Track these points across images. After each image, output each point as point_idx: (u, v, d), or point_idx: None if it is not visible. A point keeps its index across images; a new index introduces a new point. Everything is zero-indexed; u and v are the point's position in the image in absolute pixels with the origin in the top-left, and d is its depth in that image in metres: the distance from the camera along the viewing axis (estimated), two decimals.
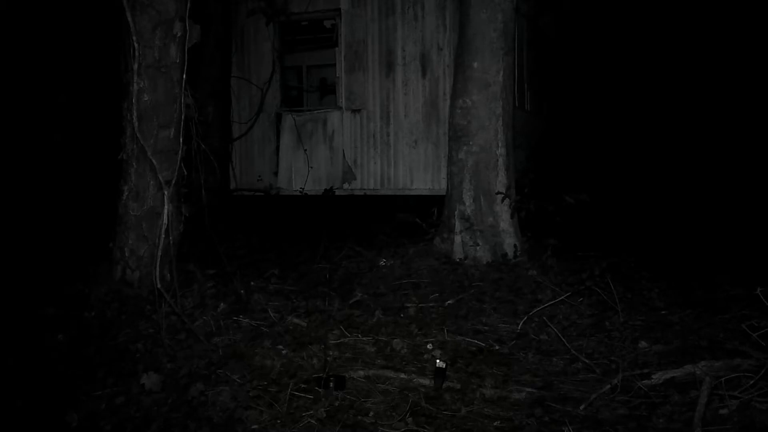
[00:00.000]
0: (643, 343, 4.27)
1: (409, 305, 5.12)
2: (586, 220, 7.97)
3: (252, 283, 5.51)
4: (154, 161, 4.92)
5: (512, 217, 6.41)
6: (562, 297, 5.12)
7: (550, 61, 11.84)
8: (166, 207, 4.76)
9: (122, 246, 5.08)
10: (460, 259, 6.25)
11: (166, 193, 4.82)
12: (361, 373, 3.80)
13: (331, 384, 3.53)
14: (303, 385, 3.59)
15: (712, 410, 3.22)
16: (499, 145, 6.41)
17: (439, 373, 3.62)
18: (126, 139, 5.09)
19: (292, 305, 5.02)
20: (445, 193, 6.81)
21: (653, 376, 3.64)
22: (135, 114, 4.88)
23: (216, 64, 9.30)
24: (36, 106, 9.34)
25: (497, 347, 4.35)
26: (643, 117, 15.38)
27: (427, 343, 4.32)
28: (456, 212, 6.41)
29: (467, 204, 6.38)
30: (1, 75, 8.81)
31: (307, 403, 3.41)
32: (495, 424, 3.23)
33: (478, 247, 6.30)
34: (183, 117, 5.07)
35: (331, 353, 4.00)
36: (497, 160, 6.40)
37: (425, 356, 4.11)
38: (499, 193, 6.34)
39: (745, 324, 3.99)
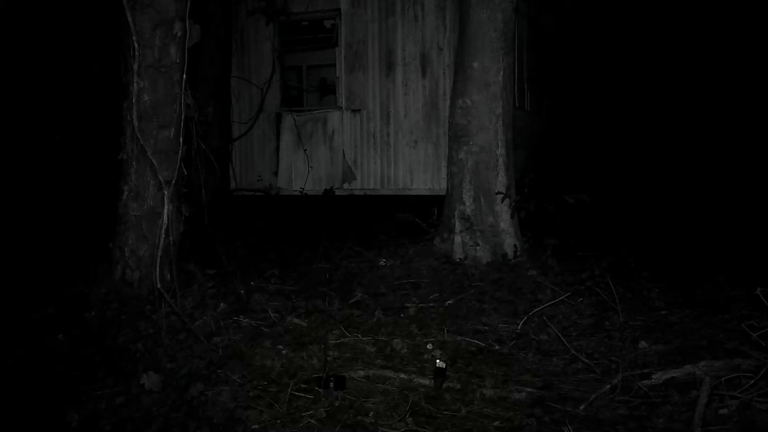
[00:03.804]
0: (643, 343, 4.27)
1: (409, 305, 5.13)
2: (586, 220, 7.96)
3: (252, 283, 5.51)
4: (154, 161, 4.92)
5: (512, 217, 6.41)
6: (562, 297, 5.12)
7: (550, 61, 11.84)
8: (166, 207, 4.77)
9: (122, 246, 5.08)
10: (460, 259, 6.25)
11: (166, 193, 4.82)
12: (361, 373, 3.80)
13: (331, 384, 3.53)
14: (303, 385, 3.59)
15: (712, 410, 3.22)
16: (499, 145, 6.42)
17: (439, 373, 3.62)
18: (126, 139, 5.09)
19: (292, 305, 5.02)
20: (445, 193, 6.81)
21: (653, 376, 3.65)
22: (135, 114, 4.88)
23: (216, 64, 9.30)
24: (36, 106, 9.33)
25: (497, 347, 4.35)
26: (643, 117, 15.37)
27: (427, 343, 4.32)
28: (456, 212, 6.41)
29: (467, 204, 6.39)
30: (1, 75, 8.81)
31: (307, 403, 3.41)
32: (495, 424, 3.23)
33: (478, 247, 6.30)
34: (183, 117, 5.07)
35: (331, 353, 4.00)
36: (497, 160, 6.41)
37: (425, 356, 4.11)
38: (499, 193, 6.34)
39: (745, 324, 3.98)
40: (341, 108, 9.43)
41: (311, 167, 9.53)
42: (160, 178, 4.93)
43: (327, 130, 9.53)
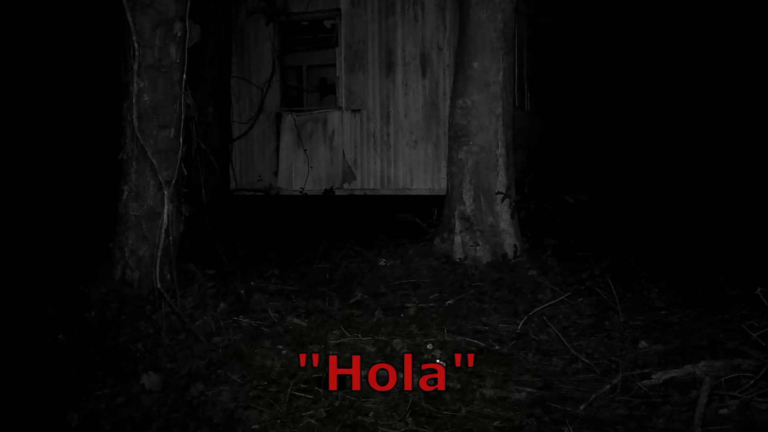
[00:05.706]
0: (643, 343, 4.27)
1: (409, 305, 5.12)
2: (586, 220, 7.97)
3: (252, 283, 5.51)
4: (154, 161, 4.92)
5: (512, 217, 6.41)
6: (562, 297, 5.12)
7: (550, 61, 11.84)
8: (166, 207, 4.77)
9: (122, 246, 5.08)
10: (460, 259, 6.25)
11: (166, 193, 4.83)
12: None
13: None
14: (303, 385, 3.59)
15: (712, 410, 3.22)
16: (499, 145, 6.42)
17: None
18: (126, 139, 5.09)
19: (292, 305, 5.02)
20: (445, 193, 6.81)
21: (653, 376, 3.65)
22: (135, 114, 4.88)
23: (216, 64, 9.30)
24: (36, 106, 9.33)
25: (497, 347, 4.35)
26: (642, 117, 15.38)
27: (427, 343, 4.32)
28: (456, 212, 6.41)
29: (467, 204, 6.39)
30: (1, 75, 8.81)
31: (307, 403, 3.41)
32: (495, 424, 3.23)
33: (478, 247, 6.30)
34: (183, 117, 5.07)
35: (331, 353, 4.00)
36: (497, 160, 6.41)
37: (425, 356, 4.11)
38: (499, 193, 6.34)
39: (745, 324, 3.98)
40: (341, 108, 9.43)
41: (311, 167, 9.53)
42: (160, 178, 4.93)
43: (327, 130, 9.53)
